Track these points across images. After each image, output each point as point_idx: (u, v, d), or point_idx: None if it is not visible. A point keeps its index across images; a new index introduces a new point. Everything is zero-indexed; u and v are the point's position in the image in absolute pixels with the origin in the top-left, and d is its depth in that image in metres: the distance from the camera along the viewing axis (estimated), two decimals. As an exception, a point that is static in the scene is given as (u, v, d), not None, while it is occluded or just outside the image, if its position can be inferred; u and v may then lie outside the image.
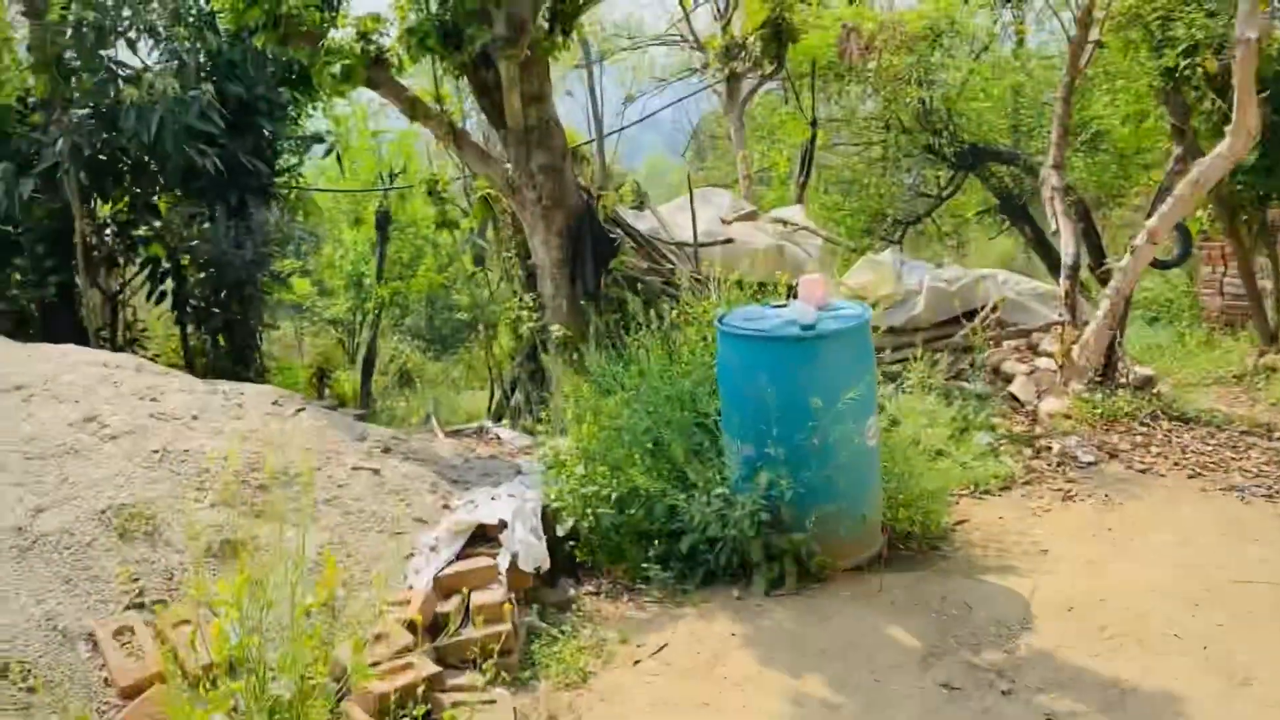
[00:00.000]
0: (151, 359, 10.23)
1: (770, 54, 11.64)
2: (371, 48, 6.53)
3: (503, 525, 4.43)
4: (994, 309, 8.31)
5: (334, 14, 6.76)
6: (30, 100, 8.41)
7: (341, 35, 6.55)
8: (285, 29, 6.36)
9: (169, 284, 9.79)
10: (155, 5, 8.39)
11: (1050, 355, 7.67)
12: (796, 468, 4.52)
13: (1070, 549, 5.06)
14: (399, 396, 15.29)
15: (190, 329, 10.12)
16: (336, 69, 6.24)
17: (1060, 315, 7.94)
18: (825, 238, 9.90)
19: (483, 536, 4.49)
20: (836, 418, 4.48)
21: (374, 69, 6.59)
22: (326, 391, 11.77)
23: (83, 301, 8.75)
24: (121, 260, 9.76)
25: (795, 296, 5.07)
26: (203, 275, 9.76)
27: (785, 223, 9.56)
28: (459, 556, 4.32)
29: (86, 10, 8.12)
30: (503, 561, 4.26)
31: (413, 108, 6.92)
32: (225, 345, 10.06)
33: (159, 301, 9.98)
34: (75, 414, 4.94)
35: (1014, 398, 7.40)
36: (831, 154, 16.36)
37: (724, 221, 9.07)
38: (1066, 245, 8.24)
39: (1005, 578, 4.73)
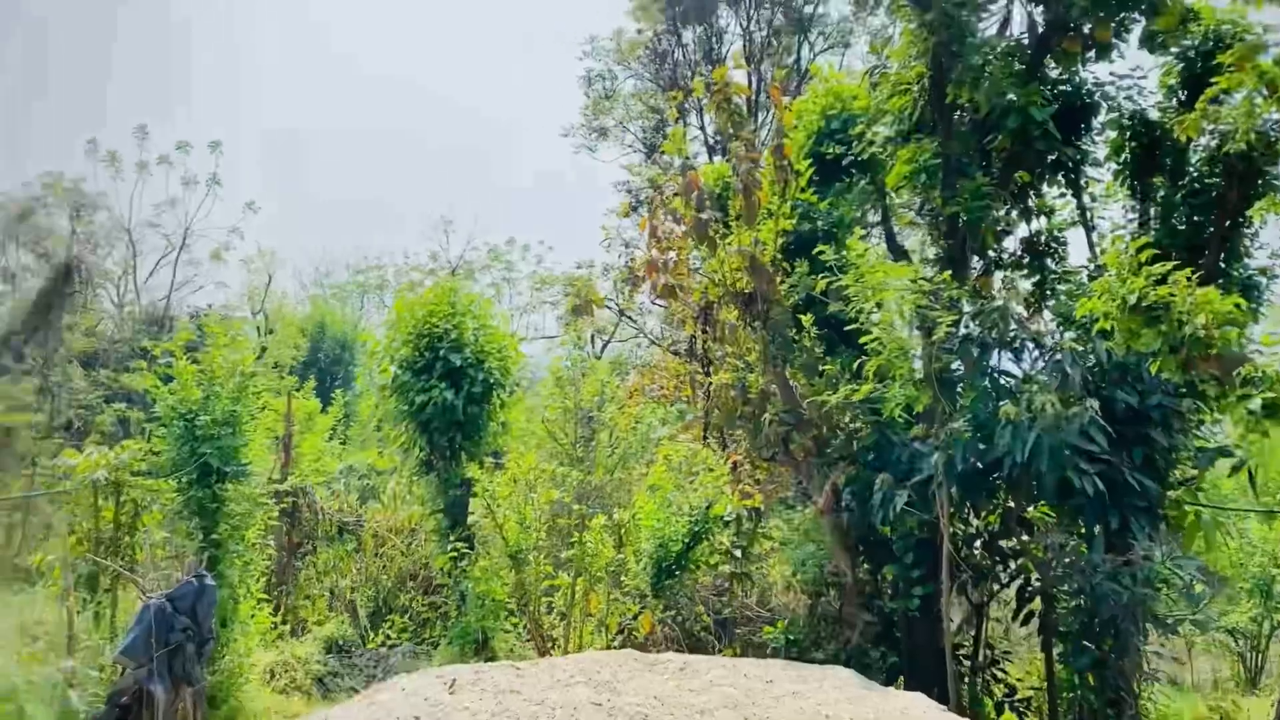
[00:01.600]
0: (1010, 688, 9.39)
1: None
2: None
3: None
4: None
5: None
6: (914, 412, 8.51)
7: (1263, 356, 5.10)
8: (1189, 352, 5.18)
9: (1036, 604, 8.98)
10: (1044, 316, 7.97)
11: None
12: None
13: None
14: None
15: (1055, 658, 9.04)
16: (1255, 404, 4.78)
17: None
18: None
19: None
20: None
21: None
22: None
23: (943, 615, 8.34)
24: (988, 574, 9.21)
25: None
26: (1074, 603, 8.74)
27: None
28: None
29: (973, 323, 8.01)
30: None
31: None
32: (1094, 684, 8.77)
33: (1025, 622, 9.26)
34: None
35: None
36: None
37: None
38: None
39: None
